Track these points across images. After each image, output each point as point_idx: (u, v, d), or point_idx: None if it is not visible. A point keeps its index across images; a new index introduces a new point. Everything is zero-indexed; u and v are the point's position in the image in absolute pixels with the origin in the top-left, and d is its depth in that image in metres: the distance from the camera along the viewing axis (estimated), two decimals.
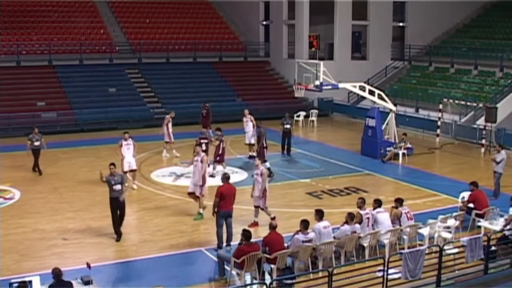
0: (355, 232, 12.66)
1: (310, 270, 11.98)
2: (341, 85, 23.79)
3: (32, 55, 33.53)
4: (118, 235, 14.11)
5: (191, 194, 15.70)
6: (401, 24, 38.57)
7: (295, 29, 37.11)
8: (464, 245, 11.94)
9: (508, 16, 36.01)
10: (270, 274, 11.51)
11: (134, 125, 28.77)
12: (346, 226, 12.74)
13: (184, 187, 18.95)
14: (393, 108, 24.17)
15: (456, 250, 12.38)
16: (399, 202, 13.75)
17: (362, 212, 13.18)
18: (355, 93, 28.09)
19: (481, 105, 27.22)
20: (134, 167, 18.58)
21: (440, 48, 36.36)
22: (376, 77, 35.88)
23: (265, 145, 20.32)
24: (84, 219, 15.67)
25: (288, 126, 23.40)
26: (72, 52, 34.28)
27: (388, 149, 23.05)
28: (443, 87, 32.20)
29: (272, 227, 11.89)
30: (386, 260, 10.76)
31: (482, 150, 24.68)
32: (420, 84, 33.89)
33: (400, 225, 13.40)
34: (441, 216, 13.82)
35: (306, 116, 31.60)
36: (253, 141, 22.31)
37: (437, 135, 27.32)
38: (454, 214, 14.33)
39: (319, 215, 12.58)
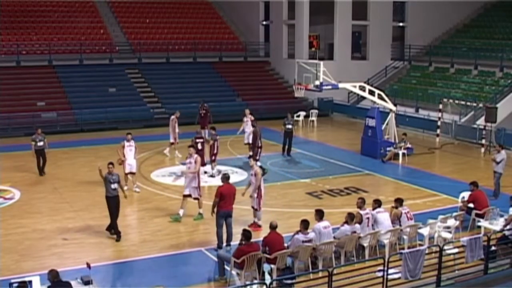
0: (355, 232, 12.66)
1: (310, 270, 11.98)
2: (341, 85, 23.79)
3: (32, 55, 33.54)
4: (118, 235, 14.11)
5: (188, 196, 15.52)
6: (401, 24, 38.58)
7: (295, 29, 37.11)
8: (464, 245, 11.94)
9: (508, 16, 36.01)
10: (270, 274, 11.50)
11: (134, 125, 28.78)
12: (346, 226, 12.74)
13: (183, 187, 18.98)
14: (393, 108, 24.17)
15: (456, 250, 12.38)
16: (399, 202, 13.75)
17: (362, 212, 13.18)
18: (355, 93, 28.09)
19: (481, 105, 27.22)
20: (135, 170, 18.43)
21: (440, 48, 36.36)
22: (376, 77, 35.88)
23: (260, 144, 20.28)
24: (84, 219, 15.67)
25: (290, 126, 23.39)
26: (72, 52, 34.29)
27: (388, 149, 23.05)
28: (443, 87, 32.20)
29: (272, 227, 11.89)
30: (386, 260, 10.75)
31: (482, 150, 24.69)
32: (420, 84, 33.89)
33: (400, 225, 13.40)
34: (441, 216, 13.82)
35: (306, 116, 31.61)
36: (248, 141, 22.33)
37: (437, 135, 27.32)
38: (454, 214, 14.32)
39: (319, 215, 12.58)
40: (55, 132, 28.00)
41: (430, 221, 13.75)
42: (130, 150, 18.19)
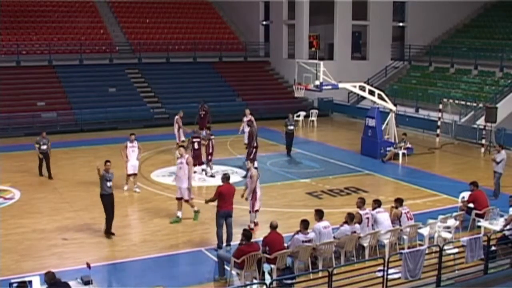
0: (355, 232, 12.66)
1: (310, 270, 11.98)
2: (341, 85, 23.79)
3: (32, 55, 33.54)
4: (110, 233, 14.21)
5: (180, 199, 15.42)
6: (401, 24, 38.57)
7: (295, 29, 37.11)
8: (464, 245, 11.94)
9: (508, 16, 36.01)
10: (270, 274, 11.50)
11: (134, 125, 28.75)
12: (346, 226, 12.74)
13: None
14: (393, 108, 24.16)
15: (456, 250, 12.38)
16: (399, 202, 13.75)
17: (361, 212, 13.18)
18: (355, 93, 28.09)
19: (481, 105, 27.22)
20: (137, 171, 18.40)
21: (440, 48, 36.36)
22: (376, 77, 35.88)
23: (255, 144, 20.27)
24: (84, 219, 15.67)
25: (292, 127, 23.33)
26: (72, 52, 34.29)
27: (388, 149, 23.05)
28: (443, 87, 32.20)
29: (273, 227, 11.89)
30: (386, 260, 10.75)
31: (482, 150, 24.69)
32: (420, 84, 33.89)
33: (400, 225, 13.40)
34: (441, 216, 13.82)
35: (306, 116, 31.61)
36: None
37: (437, 135, 27.32)
38: (454, 214, 14.32)
39: (319, 215, 12.58)
40: (55, 132, 27.97)
41: (430, 221, 13.75)
42: (133, 151, 18.11)
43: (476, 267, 11.99)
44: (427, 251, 11.47)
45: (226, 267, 11.76)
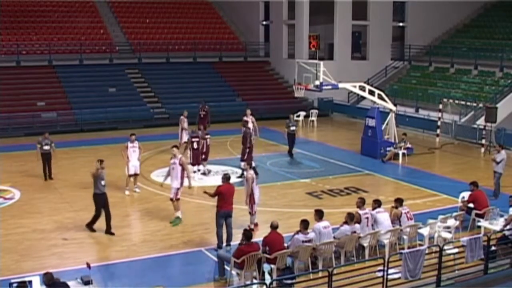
0: (355, 232, 12.66)
1: (310, 270, 11.98)
2: (341, 85, 23.79)
3: (32, 55, 33.55)
4: (91, 228, 14.47)
5: (172, 200, 15.47)
6: (401, 24, 38.58)
7: (295, 29, 37.11)
8: (464, 245, 11.94)
9: (508, 16, 36.01)
10: (270, 274, 11.50)
11: (134, 125, 28.77)
12: (346, 226, 12.74)
13: (184, 187, 18.97)
14: (393, 108, 24.17)
15: (456, 250, 12.38)
16: (399, 202, 13.75)
17: (361, 212, 13.17)
18: (355, 93, 28.09)
19: (481, 105, 27.22)
20: (139, 171, 18.37)
21: (440, 48, 36.36)
22: (376, 77, 35.88)
23: (249, 145, 20.26)
24: (84, 219, 15.61)
25: (293, 128, 23.27)
26: (72, 52, 34.30)
27: (388, 149, 23.05)
28: (443, 87, 32.20)
29: (273, 227, 11.89)
30: (386, 260, 10.75)
31: (482, 150, 24.69)
32: (420, 84, 33.89)
33: (400, 225, 13.40)
34: (441, 216, 13.82)
35: (306, 116, 31.61)
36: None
37: (437, 135, 27.32)
38: (454, 214, 14.32)
39: (319, 215, 12.58)
40: (55, 132, 27.92)
41: (430, 221, 13.74)
42: (133, 151, 18.06)
43: (476, 267, 11.99)
44: (427, 251, 11.47)
45: (226, 267, 11.76)
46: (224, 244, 13.46)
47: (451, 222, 13.71)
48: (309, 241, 11.98)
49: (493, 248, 12.31)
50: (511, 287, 11.72)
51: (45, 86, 32.16)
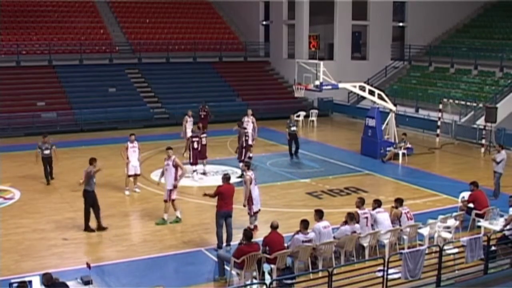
0: (355, 232, 12.66)
1: (310, 270, 11.98)
2: (341, 85, 23.78)
3: (32, 55, 33.54)
4: (89, 228, 14.64)
5: (166, 202, 15.47)
6: (401, 24, 38.58)
7: (295, 29, 37.11)
8: (464, 245, 11.94)
9: (508, 16, 36.01)
10: (270, 274, 11.51)
11: (134, 125, 28.77)
12: (346, 226, 12.74)
13: (184, 187, 18.98)
14: (393, 108, 24.16)
15: (456, 250, 12.38)
16: (399, 202, 13.75)
17: (360, 211, 13.17)
18: (355, 93, 28.09)
19: (481, 105, 27.22)
20: (139, 171, 18.34)
21: (440, 48, 36.36)
22: (376, 77, 35.87)
23: (244, 145, 20.27)
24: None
25: (294, 128, 23.23)
26: (72, 52, 34.30)
27: (388, 149, 23.05)
28: (443, 87, 32.20)
29: (273, 227, 11.89)
30: (386, 260, 10.76)
31: (482, 150, 24.69)
32: (420, 84, 33.89)
33: (400, 225, 13.40)
34: (441, 216, 13.82)
35: (306, 116, 31.60)
36: (251, 142, 22.33)
37: (437, 135, 27.32)
38: (454, 214, 14.33)
39: (319, 215, 12.58)
40: (55, 132, 27.98)
41: (430, 221, 13.75)
42: (133, 152, 18.04)
43: (476, 267, 12.00)
44: (427, 251, 11.48)
45: (226, 267, 11.76)
46: (224, 244, 13.45)
47: (451, 222, 13.71)
48: (309, 241, 11.98)
49: (493, 248, 12.31)
50: (511, 287, 11.71)
51: (45, 86, 32.16)
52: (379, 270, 10.98)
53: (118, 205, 17.07)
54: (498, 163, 17.72)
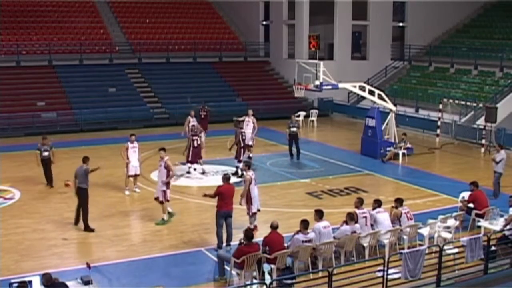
0: (355, 232, 12.66)
1: (310, 270, 11.99)
2: (341, 85, 23.78)
3: (32, 55, 33.54)
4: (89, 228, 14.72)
5: (156, 199, 15.53)
6: (401, 24, 38.58)
7: (295, 29, 37.11)
8: (464, 245, 11.94)
9: (508, 16, 36.01)
10: (270, 274, 11.51)
11: (134, 125, 28.78)
12: (346, 226, 12.74)
13: (184, 187, 19.03)
14: (393, 108, 24.16)
15: (456, 250, 12.38)
16: (399, 202, 13.75)
17: (358, 211, 13.15)
18: (355, 93, 28.09)
19: (481, 105, 27.22)
20: (139, 171, 18.32)
21: (440, 48, 36.36)
22: (376, 77, 35.87)
23: (241, 144, 20.26)
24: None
25: (294, 129, 23.16)
26: (72, 52, 34.29)
27: (388, 149, 23.05)
28: (443, 87, 32.20)
29: (273, 227, 11.89)
30: (386, 260, 10.76)
31: (482, 150, 24.69)
32: (420, 84, 33.89)
33: (400, 225, 13.41)
34: (441, 216, 13.82)
35: (306, 116, 31.60)
36: (251, 142, 22.36)
37: (437, 135, 27.32)
38: (454, 214, 14.33)
39: (319, 215, 12.58)
40: (55, 132, 28.01)
41: (430, 221, 13.75)
42: (134, 152, 18.03)
43: (476, 267, 12.00)
44: (427, 251, 11.48)
45: (226, 267, 11.76)
46: (224, 244, 13.45)
47: (451, 222, 13.71)
48: (309, 241, 11.98)
49: (493, 248, 12.31)
50: (511, 287, 11.71)
51: (45, 86, 32.15)
52: (379, 270, 10.98)
53: (118, 205, 17.07)
54: (497, 163, 17.72)
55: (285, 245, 11.93)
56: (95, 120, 30.18)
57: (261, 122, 25.42)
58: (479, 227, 14.27)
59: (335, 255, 12.47)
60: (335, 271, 10.57)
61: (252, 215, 14.51)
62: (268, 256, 11.50)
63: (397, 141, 23.61)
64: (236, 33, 40.88)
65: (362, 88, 24.19)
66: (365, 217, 13.14)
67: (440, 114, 27.48)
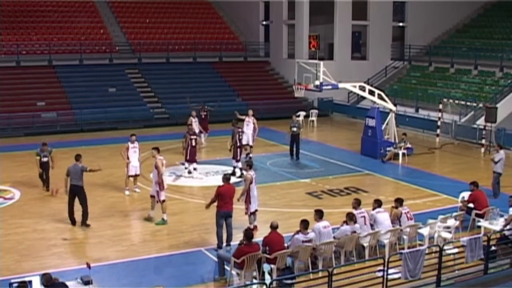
0: (355, 232, 12.66)
1: (310, 270, 11.98)
2: (341, 85, 23.79)
3: (32, 55, 33.54)
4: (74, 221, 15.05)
5: (152, 197, 15.56)
6: (401, 24, 38.58)
7: (295, 29, 37.11)
8: (464, 245, 11.94)
9: (508, 16, 36.02)
10: (270, 274, 11.50)
11: (134, 125, 28.78)
12: (346, 226, 12.74)
13: (184, 187, 19.03)
14: (393, 108, 24.16)
15: (456, 250, 12.38)
16: (399, 202, 13.75)
17: (356, 212, 13.14)
18: (355, 93, 28.09)
19: (481, 105, 27.22)
20: (139, 172, 18.30)
21: (440, 48, 36.37)
22: (376, 77, 35.88)
23: (238, 144, 20.25)
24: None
25: (295, 129, 23.16)
26: (72, 52, 34.29)
27: (388, 149, 23.05)
28: (443, 87, 32.20)
29: (273, 227, 11.88)
30: (386, 260, 10.75)
31: (482, 150, 24.68)
32: (420, 84, 33.89)
33: (400, 225, 13.40)
34: (441, 216, 13.82)
35: (306, 116, 31.59)
36: (251, 142, 22.37)
37: (437, 135, 27.32)
38: (454, 214, 14.32)
39: (319, 215, 12.58)
40: (55, 132, 28.02)
41: (430, 221, 13.75)
42: (134, 152, 18.01)
43: (476, 267, 12.00)
44: (427, 251, 11.48)
45: (226, 267, 11.76)
46: (224, 244, 13.45)
47: (451, 222, 13.71)
48: (309, 241, 11.98)
49: (493, 248, 12.31)
50: (511, 287, 11.72)
51: (45, 86, 32.15)
52: (379, 270, 10.98)
53: (118, 205, 17.07)
54: (496, 162, 17.73)
55: (285, 245, 11.93)
56: (95, 120, 30.18)
57: (261, 122, 25.42)
58: (479, 227, 14.27)
59: (335, 255, 12.46)
60: (335, 271, 10.57)
61: (251, 215, 14.51)
62: (268, 256, 11.50)
63: (397, 141, 23.61)
64: (236, 33, 40.89)
65: (362, 88, 24.19)
66: (363, 217, 13.14)
67: (440, 114, 27.48)
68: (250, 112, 23.20)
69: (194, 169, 20.12)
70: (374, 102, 24.14)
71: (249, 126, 22.40)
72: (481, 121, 25.91)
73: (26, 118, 28.78)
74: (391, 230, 13.09)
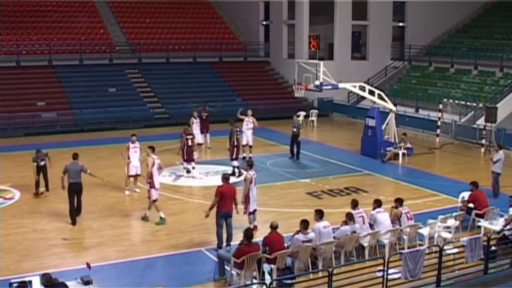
0: (355, 232, 12.66)
1: (310, 270, 11.98)
2: (341, 85, 23.79)
3: (32, 55, 33.55)
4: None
5: (149, 198, 15.61)
6: (401, 24, 38.58)
7: (295, 29, 37.11)
8: (464, 245, 11.94)
9: (508, 16, 36.02)
10: (270, 274, 11.50)
11: (134, 125, 28.78)
12: (346, 226, 12.74)
13: (183, 187, 19.03)
14: (393, 108, 24.16)
15: (456, 250, 12.39)
16: (399, 202, 13.75)
17: (354, 212, 13.13)
18: (355, 93, 28.09)
19: (481, 105, 27.22)
20: (140, 172, 18.24)
21: (440, 48, 36.37)
22: (376, 77, 35.88)
23: (235, 144, 20.25)
24: (84, 219, 15.68)
25: (295, 129, 23.11)
26: (72, 52, 34.29)
27: (388, 149, 23.05)
28: (443, 87, 32.20)
29: (273, 227, 11.88)
30: (386, 260, 10.76)
31: (482, 150, 24.68)
32: (420, 84, 33.89)
33: (400, 225, 13.41)
34: (441, 216, 13.82)
35: (306, 116, 31.57)
36: (251, 142, 22.36)
37: (437, 135, 27.32)
38: (454, 214, 14.32)
39: (319, 215, 12.58)
40: (55, 132, 28.03)
41: (430, 221, 13.75)
42: (135, 152, 18.02)
43: (476, 267, 12.00)
44: (427, 251, 11.48)
45: (226, 267, 11.76)
46: (224, 244, 13.45)
47: (451, 222, 13.71)
48: (309, 241, 11.98)
49: (493, 248, 12.31)
50: (511, 287, 11.72)
51: (45, 86, 32.15)
52: (379, 270, 10.98)
53: (118, 205, 17.08)
54: (494, 162, 17.73)
55: (285, 245, 11.93)
56: (95, 120, 30.18)
57: (261, 122, 25.44)
58: (479, 227, 14.27)
59: (335, 255, 12.47)
60: (335, 271, 10.57)
61: (250, 214, 14.52)
62: (268, 256, 11.50)
63: (397, 141, 23.61)
64: (236, 33, 40.89)
65: (362, 88, 24.20)
66: (362, 217, 13.14)
67: (440, 114, 27.48)
68: (250, 112, 23.20)
69: (193, 168, 20.10)
70: (374, 102, 24.15)
71: (248, 126, 22.42)
72: (481, 121, 25.90)
73: (26, 118, 28.78)
74: (391, 230, 13.09)
